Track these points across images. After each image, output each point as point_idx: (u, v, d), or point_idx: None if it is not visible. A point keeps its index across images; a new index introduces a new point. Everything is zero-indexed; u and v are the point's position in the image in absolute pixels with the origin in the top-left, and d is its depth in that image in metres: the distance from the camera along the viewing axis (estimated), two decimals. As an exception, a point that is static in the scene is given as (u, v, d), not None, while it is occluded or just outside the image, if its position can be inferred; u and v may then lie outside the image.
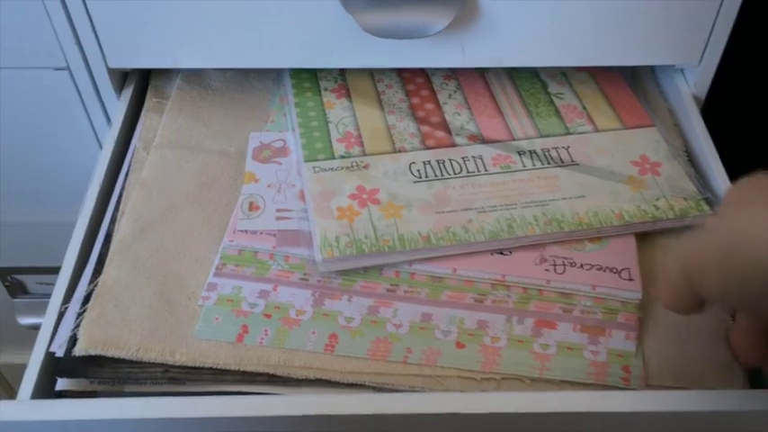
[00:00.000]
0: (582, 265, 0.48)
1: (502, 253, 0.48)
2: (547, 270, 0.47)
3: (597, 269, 0.47)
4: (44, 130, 0.61)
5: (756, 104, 0.71)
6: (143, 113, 0.57)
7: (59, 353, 0.43)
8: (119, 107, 0.58)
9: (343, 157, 0.52)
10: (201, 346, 0.44)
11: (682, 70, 0.59)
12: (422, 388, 0.43)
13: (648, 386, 0.43)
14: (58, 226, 0.58)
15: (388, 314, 0.45)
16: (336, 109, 0.56)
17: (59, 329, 0.44)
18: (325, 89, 0.58)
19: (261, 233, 0.49)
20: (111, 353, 0.43)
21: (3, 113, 0.60)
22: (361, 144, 0.53)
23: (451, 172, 0.52)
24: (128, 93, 0.58)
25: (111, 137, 0.56)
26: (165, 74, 0.60)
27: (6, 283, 0.77)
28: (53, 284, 0.47)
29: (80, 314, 0.45)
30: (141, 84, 0.60)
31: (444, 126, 0.55)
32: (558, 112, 0.56)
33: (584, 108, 0.56)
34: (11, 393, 0.91)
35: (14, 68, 0.56)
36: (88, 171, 0.54)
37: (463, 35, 0.54)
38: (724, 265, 0.34)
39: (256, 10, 0.53)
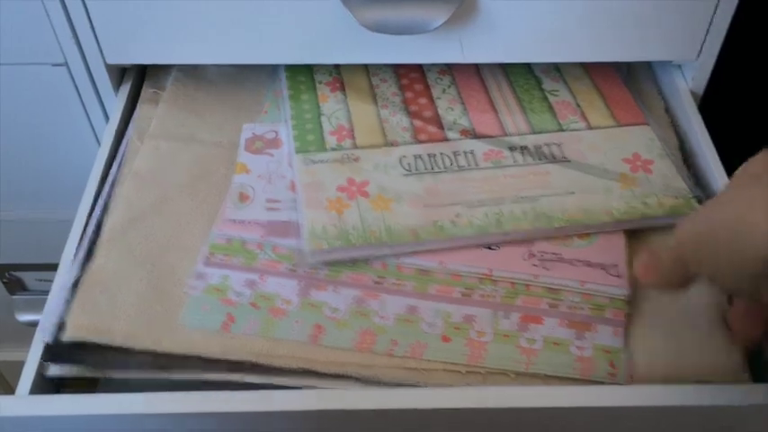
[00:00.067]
0: (570, 261, 0.47)
1: (490, 248, 0.48)
2: (535, 265, 0.47)
3: (585, 265, 0.47)
4: (42, 127, 0.61)
5: (754, 100, 0.71)
6: (139, 104, 0.58)
7: (47, 339, 0.43)
8: (116, 103, 0.58)
9: (334, 149, 0.52)
10: (188, 334, 0.44)
11: (679, 66, 0.59)
12: (406, 380, 0.43)
13: (635, 381, 0.43)
14: (56, 222, 0.59)
15: (375, 306, 0.45)
16: (330, 102, 0.56)
17: (46, 315, 0.45)
18: (320, 82, 0.58)
19: (250, 223, 0.49)
20: (97, 339, 0.43)
21: (0, 110, 0.60)
22: (353, 137, 0.53)
23: (442, 166, 0.52)
24: (125, 89, 0.59)
25: (108, 133, 0.56)
26: (162, 65, 0.60)
27: (4, 280, 0.77)
28: (51, 281, 0.47)
29: (68, 301, 0.45)
30: (139, 80, 0.60)
31: (437, 121, 0.55)
32: (551, 108, 0.56)
33: (578, 105, 0.56)
34: (9, 390, 0.91)
35: (12, 64, 0.57)
36: (86, 168, 0.54)
37: (462, 31, 0.54)
38: (721, 248, 0.34)
39: (254, 6, 0.53)
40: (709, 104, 0.58)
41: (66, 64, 0.56)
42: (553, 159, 0.52)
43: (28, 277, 0.77)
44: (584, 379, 0.43)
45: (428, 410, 0.40)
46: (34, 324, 0.45)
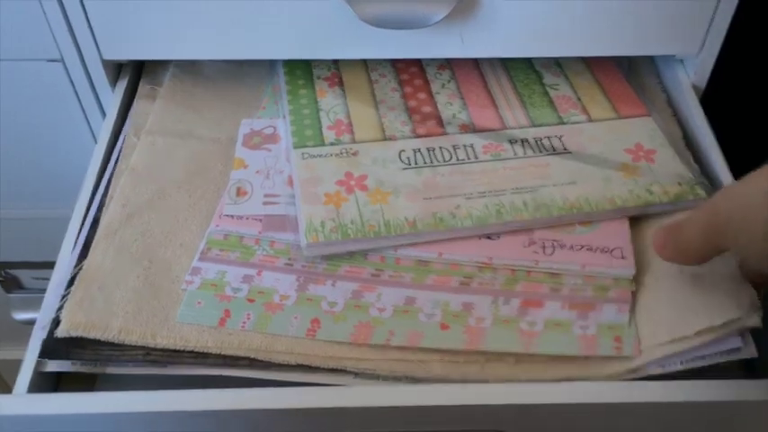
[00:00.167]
0: (572, 246, 0.47)
1: (489, 237, 0.48)
2: (535, 252, 0.47)
3: (588, 249, 0.47)
4: (38, 124, 0.61)
5: (756, 94, 0.70)
6: (136, 99, 0.57)
7: (42, 335, 0.43)
8: (113, 100, 0.58)
9: (332, 144, 0.52)
10: (183, 329, 0.44)
11: (681, 60, 0.58)
12: (403, 373, 0.42)
13: (642, 351, 0.42)
14: (52, 220, 0.58)
15: (372, 298, 0.45)
16: (328, 97, 0.56)
17: (44, 313, 0.44)
18: (318, 77, 0.58)
19: (247, 218, 0.49)
20: (92, 334, 0.43)
21: (-5, 106, 0.59)
22: (352, 132, 0.53)
23: (441, 160, 0.51)
24: (122, 85, 0.58)
25: (105, 130, 0.55)
26: (160, 61, 0.60)
27: (1, 279, 0.77)
28: (48, 279, 0.47)
29: (64, 296, 0.45)
30: (136, 76, 0.60)
31: (436, 115, 0.55)
32: (551, 102, 0.56)
33: (579, 99, 0.56)
34: (6, 389, 0.90)
35: (6, 60, 0.56)
36: (83, 164, 0.53)
37: (462, 25, 0.53)
38: (757, 217, 0.34)
39: (252, 1, 0.52)
40: (711, 98, 0.58)
41: (62, 60, 0.56)
42: (553, 151, 0.52)
43: (24, 275, 0.77)
44: (587, 356, 0.42)
45: (429, 407, 0.40)
46: (31, 322, 0.44)
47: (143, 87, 0.58)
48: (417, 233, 0.47)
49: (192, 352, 0.43)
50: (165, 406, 0.40)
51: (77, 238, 0.48)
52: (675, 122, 0.56)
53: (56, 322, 0.44)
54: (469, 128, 0.54)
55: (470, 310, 0.45)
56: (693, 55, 0.56)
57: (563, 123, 0.54)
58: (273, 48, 0.55)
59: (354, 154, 0.51)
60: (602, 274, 0.46)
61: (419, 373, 0.42)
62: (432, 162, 0.51)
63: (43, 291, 0.46)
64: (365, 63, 0.59)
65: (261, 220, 0.49)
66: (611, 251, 0.47)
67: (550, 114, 0.55)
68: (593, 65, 0.59)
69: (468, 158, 0.51)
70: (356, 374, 0.42)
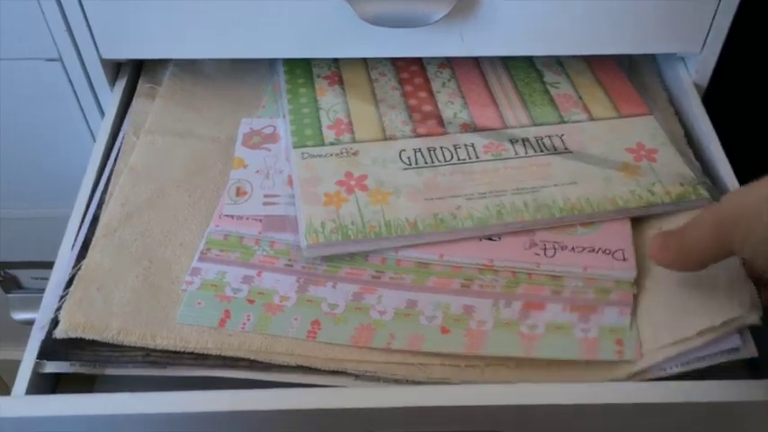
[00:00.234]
0: (573, 248, 0.47)
1: (490, 239, 0.47)
2: (537, 254, 0.47)
3: (589, 251, 0.47)
4: (36, 123, 0.61)
5: (758, 93, 0.70)
6: (135, 98, 0.57)
7: (41, 335, 0.43)
8: (112, 99, 0.57)
9: (332, 143, 0.52)
10: (183, 330, 0.43)
11: (683, 59, 0.58)
12: (404, 376, 0.42)
13: (643, 354, 0.42)
14: (51, 220, 0.58)
15: (373, 301, 0.45)
16: (328, 96, 0.56)
17: (43, 313, 0.44)
18: (318, 76, 0.57)
19: (247, 218, 0.48)
20: (91, 335, 0.43)
21: (-7, 106, 0.59)
22: (352, 131, 0.53)
23: (442, 159, 0.51)
24: (121, 84, 0.58)
25: (104, 129, 0.55)
26: (159, 60, 0.59)
27: (0, 278, 0.76)
28: (47, 279, 0.46)
29: (62, 297, 0.44)
30: (135, 75, 0.59)
31: (436, 114, 0.54)
32: (552, 101, 0.56)
33: (580, 98, 0.56)
34: (5, 390, 0.90)
35: (5, 60, 0.56)
36: (82, 164, 0.53)
37: (462, 24, 0.53)
38: (759, 223, 0.34)
39: (252, 0, 0.52)
40: (713, 97, 0.58)
41: (60, 59, 0.56)
42: (554, 151, 0.52)
43: (23, 275, 0.77)
44: (588, 360, 0.42)
45: (427, 408, 0.40)
46: (30, 322, 0.44)
47: (142, 86, 0.58)
48: (418, 234, 0.47)
49: (191, 353, 0.43)
50: (164, 407, 0.40)
51: (76, 237, 0.48)
52: (677, 121, 0.55)
53: (54, 323, 0.43)
54: (470, 127, 0.54)
55: (471, 313, 0.44)
56: (695, 53, 0.56)
57: (564, 122, 0.54)
58: (273, 47, 0.55)
59: (354, 154, 0.51)
60: (603, 277, 0.46)
61: (419, 376, 0.42)
62: (432, 162, 0.51)
63: (42, 291, 0.46)
64: (365, 62, 0.59)
65: (261, 221, 0.48)
66: (613, 253, 0.46)
67: (551, 113, 0.55)
68: (594, 63, 0.59)
69: (469, 158, 0.51)
70: (356, 377, 0.42)
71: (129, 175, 0.51)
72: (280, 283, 0.46)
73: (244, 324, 0.44)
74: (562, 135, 0.53)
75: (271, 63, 0.60)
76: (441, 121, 0.54)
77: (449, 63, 0.59)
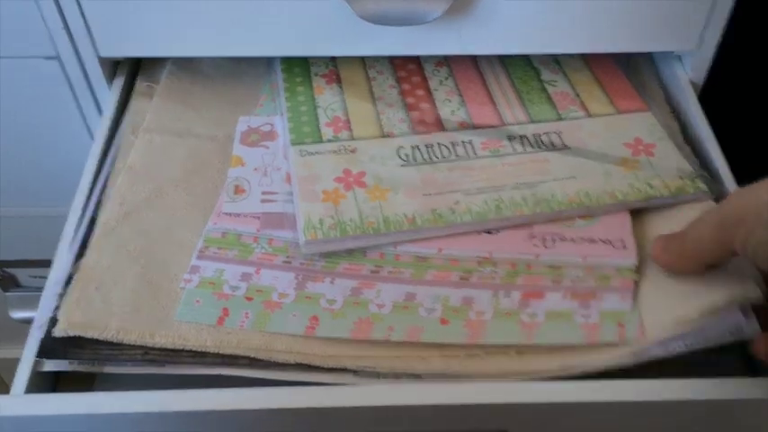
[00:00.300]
0: (572, 239, 0.47)
1: (489, 232, 0.48)
2: (536, 246, 0.47)
3: (589, 242, 0.47)
4: (34, 122, 0.61)
5: (754, 91, 0.70)
6: (132, 97, 0.57)
7: (40, 334, 0.43)
8: (110, 97, 0.57)
9: (330, 140, 0.52)
10: (182, 328, 0.43)
11: (679, 57, 0.58)
12: (403, 369, 0.42)
13: (646, 336, 0.42)
14: (49, 218, 0.58)
15: (371, 295, 0.45)
16: (326, 94, 0.56)
17: (41, 312, 0.44)
18: (316, 74, 0.57)
19: (245, 216, 0.48)
20: (90, 334, 0.43)
21: (-10, 104, 0.59)
22: (350, 129, 0.53)
23: (440, 156, 0.51)
24: (119, 82, 0.58)
25: (102, 127, 0.55)
26: (157, 59, 0.59)
27: (-2, 277, 0.77)
28: (45, 278, 0.46)
29: (61, 296, 0.44)
30: (133, 73, 0.59)
31: (434, 112, 0.55)
32: (550, 98, 0.56)
33: (578, 95, 0.56)
34: (4, 388, 0.90)
35: (2, 58, 0.56)
36: (79, 163, 0.53)
37: (461, 22, 0.53)
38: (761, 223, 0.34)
39: (250, -2, 0.52)
40: (709, 95, 0.58)
41: (58, 57, 0.56)
42: (552, 147, 0.52)
43: (21, 274, 0.77)
44: (589, 345, 0.42)
45: (431, 406, 0.40)
46: (28, 321, 0.44)
47: (140, 85, 0.58)
48: (416, 229, 0.47)
49: (190, 351, 0.43)
50: (163, 406, 0.39)
51: (74, 236, 0.48)
52: (674, 119, 0.55)
53: (53, 321, 0.43)
54: (468, 125, 0.54)
55: (470, 304, 0.44)
56: (691, 51, 0.56)
57: (561, 119, 0.54)
58: (271, 45, 0.55)
59: (353, 151, 0.51)
60: (603, 265, 0.46)
61: (419, 368, 0.42)
62: (430, 159, 0.51)
63: (40, 289, 0.45)
64: (362, 60, 0.59)
65: (259, 218, 0.48)
66: (613, 242, 0.46)
67: (549, 111, 0.55)
68: (592, 61, 0.59)
69: (467, 155, 0.51)
70: (356, 372, 0.42)
71: (127, 174, 0.51)
72: (278, 280, 0.46)
73: (242, 322, 0.44)
74: (560, 132, 0.53)
75: (269, 62, 0.60)
76: (438, 119, 0.54)
77: (446, 61, 0.59)
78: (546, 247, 0.47)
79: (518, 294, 0.45)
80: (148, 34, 0.54)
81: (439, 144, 0.52)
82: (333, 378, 0.42)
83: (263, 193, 0.50)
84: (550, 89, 0.57)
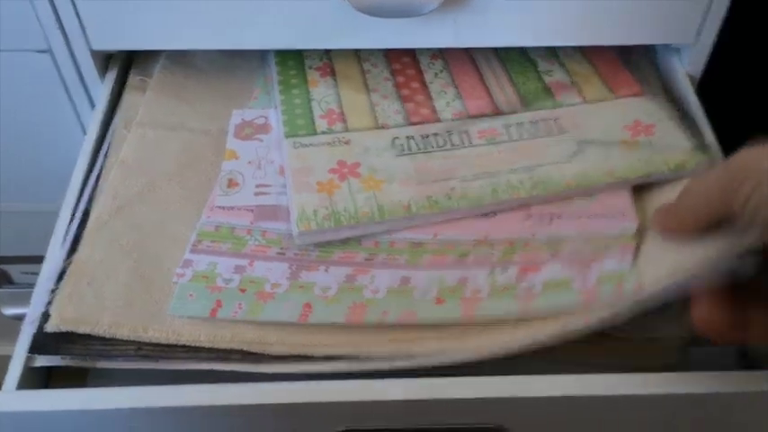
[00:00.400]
0: (571, 216, 0.46)
1: (486, 216, 0.47)
2: (533, 225, 0.46)
3: (588, 217, 0.46)
4: (25, 116, 0.60)
5: (752, 84, 0.70)
6: (125, 91, 0.57)
7: (32, 330, 0.43)
8: (103, 91, 0.57)
9: (324, 132, 0.51)
10: (175, 323, 0.43)
11: (677, 50, 0.58)
12: (398, 353, 0.41)
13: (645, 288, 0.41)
14: (41, 214, 0.57)
15: (366, 281, 0.44)
16: (320, 87, 0.55)
17: (33, 307, 0.44)
18: (310, 67, 0.57)
19: (239, 209, 0.48)
20: (82, 329, 0.42)
21: (-19, 99, 0.58)
22: (344, 121, 0.52)
23: (435, 146, 0.51)
24: (111, 76, 0.57)
25: (95, 121, 0.55)
26: (150, 52, 0.59)
27: (-11, 273, 0.76)
28: (37, 274, 0.46)
29: (53, 291, 0.44)
30: (125, 66, 0.59)
31: (429, 104, 0.54)
32: (546, 87, 0.55)
33: (574, 83, 0.56)
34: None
35: (-8, 51, 0.55)
36: (72, 157, 0.53)
37: (456, 14, 0.53)
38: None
39: (243, -10, 0.52)
40: (707, 88, 0.58)
41: (49, 50, 0.55)
42: (549, 133, 0.51)
43: (13, 270, 0.76)
44: (586, 310, 0.41)
45: (426, 401, 0.40)
46: (20, 317, 0.44)
47: (133, 79, 0.57)
48: (412, 216, 0.46)
49: (184, 346, 0.42)
50: (156, 402, 0.39)
51: (67, 231, 0.48)
52: (673, 108, 0.55)
53: (45, 317, 0.43)
54: (464, 114, 0.53)
55: (466, 283, 0.44)
56: (689, 44, 0.56)
57: (558, 107, 0.54)
58: (266, 38, 0.55)
59: (347, 143, 0.51)
60: (603, 235, 0.45)
61: (415, 349, 0.41)
62: (425, 148, 0.51)
63: (33, 286, 0.45)
64: (357, 53, 0.59)
65: (252, 211, 0.48)
66: (613, 214, 0.46)
67: (545, 99, 0.54)
68: (589, 52, 0.58)
69: (463, 143, 0.51)
70: (351, 359, 0.41)
71: (119, 169, 0.51)
72: (272, 272, 0.45)
73: (235, 312, 0.43)
74: (557, 118, 0.53)
75: (263, 56, 0.59)
76: (433, 110, 0.54)
77: (441, 54, 0.59)
78: (543, 225, 0.46)
79: (515, 269, 0.44)
80: (141, 27, 0.54)
81: (434, 134, 0.52)
82: (328, 367, 0.41)
83: (257, 185, 0.49)
84: (547, 78, 0.56)
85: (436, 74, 0.57)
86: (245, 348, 0.42)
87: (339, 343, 0.42)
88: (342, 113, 0.53)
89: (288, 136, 0.51)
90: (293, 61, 0.57)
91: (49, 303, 0.43)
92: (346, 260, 0.46)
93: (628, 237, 0.45)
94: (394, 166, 0.49)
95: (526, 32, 0.55)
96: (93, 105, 0.58)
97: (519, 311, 0.42)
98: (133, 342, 0.42)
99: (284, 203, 0.48)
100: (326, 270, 0.45)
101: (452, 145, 0.51)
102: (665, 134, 0.50)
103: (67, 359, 0.42)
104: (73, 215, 0.49)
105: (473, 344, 0.41)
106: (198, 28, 0.54)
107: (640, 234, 0.45)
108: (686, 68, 0.57)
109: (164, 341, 0.42)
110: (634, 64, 0.59)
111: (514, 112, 0.53)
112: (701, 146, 0.50)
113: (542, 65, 0.58)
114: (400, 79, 0.56)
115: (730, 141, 0.51)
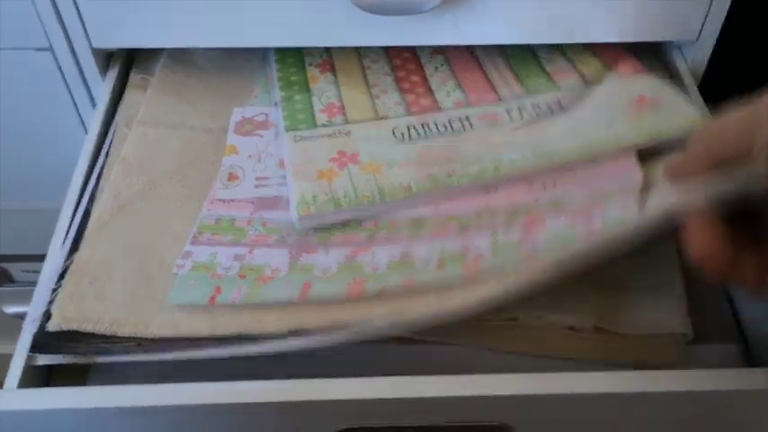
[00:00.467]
0: (574, 181, 0.46)
1: (487, 191, 0.47)
2: (536, 191, 0.45)
3: (593, 179, 0.46)
4: (26, 115, 0.60)
5: (753, 81, 0.70)
6: (126, 90, 0.57)
7: (33, 329, 0.43)
8: (104, 89, 0.57)
9: (324, 125, 0.51)
10: (175, 317, 0.43)
11: (679, 47, 0.58)
12: (398, 321, 0.40)
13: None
14: (42, 212, 0.57)
15: (366, 258, 0.44)
16: (320, 83, 0.55)
17: (34, 306, 0.44)
18: (310, 64, 0.57)
19: (239, 201, 0.48)
20: (84, 328, 0.42)
21: (-18, 98, 0.58)
22: (344, 114, 0.52)
23: (436, 132, 0.51)
24: (113, 74, 0.58)
25: (96, 120, 0.55)
26: (151, 51, 0.59)
27: (-9, 272, 0.76)
28: (38, 272, 0.46)
29: (54, 290, 0.44)
30: (126, 64, 0.59)
31: (430, 95, 0.54)
32: (548, 74, 0.55)
33: (576, 69, 0.55)
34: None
35: (-7, 49, 0.55)
36: (73, 156, 0.53)
37: (457, 11, 0.53)
38: None
39: (243, -13, 0.52)
40: (708, 85, 0.57)
41: (50, 48, 0.55)
42: (552, 113, 0.51)
43: (14, 269, 0.76)
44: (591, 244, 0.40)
45: (429, 399, 0.39)
46: (21, 316, 0.44)
47: (134, 77, 0.57)
48: (413, 196, 0.46)
49: (184, 338, 0.42)
50: (157, 400, 0.39)
51: (68, 230, 0.48)
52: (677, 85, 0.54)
53: (47, 316, 0.43)
54: (465, 104, 0.53)
55: (468, 249, 0.43)
56: (691, 41, 0.56)
57: (560, 90, 0.53)
58: (266, 36, 0.55)
59: (347, 134, 0.51)
60: (607, 190, 0.44)
61: (416, 311, 0.41)
62: (426, 135, 0.50)
63: (34, 284, 0.45)
64: (357, 50, 0.59)
65: (253, 203, 0.48)
66: (617, 173, 0.45)
67: (547, 84, 0.54)
68: (593, 46, 0.58)
69: (464, 129, 0.51)
70: (348, 329, 0.40)
71: (121, 167, 0.51)
72: (272, 258, 0.45)
73: (235, 297, 0.43)
74: (559, 100, 0.52)
75: (263, 55, 0.59)
76: (434, 101, 0.53)
77: (442, 50, 0.59)
78: (547, 191, 0.45)
79: (518, 230, 0.43)
80: (142, 25, 0.54)
81: (435, 122, 0.51)
82: (325, 339, 0.40)
83: (257, 178, 0.49)
84: (549, 67, 0.56)
85: (437, 67, 0.57)
86: (243, 331, 0.41)
87: (338, 316, 0.41)
88: (342, 107, 0.53)
89: (288, 130, 0.51)
90: (293, 58, 0.57)
91: (51, 302, 0.43)
92: (347, 241, 0.45)
93: (633, 189, 0.44)
94: (394, 152, 0.49)
95: (526, 30, 0.55)
96: (94, 104, 0.58)
97: (522, 264, 0.41)
98: (134, 338, 0.42)
99: (284, 194, 0.48)
100: (327, 252, 0.45)
101: (453, 130, 0.51)
102: (671, 104, 0.49)
103: (69, 357, 0.42)
104: (74, 214, 0.49)
105: (475, 298, 0.40)
106: (198, 25, 0.54)
107: (647, 189, 0.44)
108: (689, 66, 0.57)
109: (164, 335, 0.42)
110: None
111: (516, 97, 0.53)
112: (709, 115, 0.49)
113: (544, 53, 0.57)
114: (400, 74, 0.56)
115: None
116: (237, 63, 0.59)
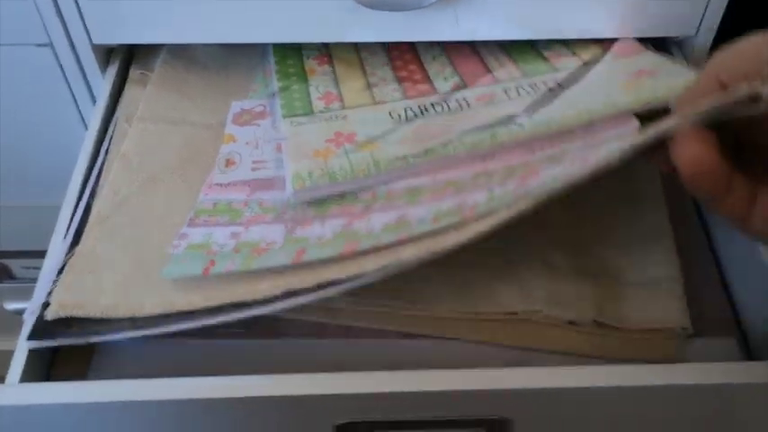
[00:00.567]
0: (572, 141, 0.44)
1: (484, 159, 0.46)
2: (533, 153, 0.45)
3: (590, 135, 0.44)
4: (27, 111, 0.60)
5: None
6: (126, 86, 0.57)
7: (31, 319, 0.43)
8: (104, 85, 0.57)
9: (321, 111, 0.51)
10: (170, 294, 0.43)
11: (679, 43, 0.58)
12: (391, 271, 0.40)
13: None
14: (43, 208, 0.57)
15: (362, 225, 0.43)
16: (318, 74, 0.56)
17: (33, 298, 0.44)
18: (308, 58, 0.57)
19: (236, 184, 0.48)
20: (80, 313, 0.42)
21: (-18, 94, 0.58)
22: (341, 100, 0.53)
23: (433, 113, 0.51)
24: (113, 70, 0.58)
25: (96, 116, 0.55)
26: (151, 47, 0.59)
27: (-9, 268, 0.76)
28: (38, 269, 0.46)
29: (54, 283, 0.44)
30: (127, 60, 0.59)
31: (428, 81, 0.54)
32: (546, 59, 0.55)
33: (575, 53, 0.55)
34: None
35: (-7, 45, 0.55)
36: (73, 152, 0.53)
37: (457, 5, 0.53)
38: None
39: (243, -17, 0.52)
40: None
41: (50, 44, 0.55)
42: (550, 92, 0.50)
43: (14, 265, 0.76)
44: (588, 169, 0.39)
45: (428, 393, 0.39)
46: (21, 312, 0.44)
47: (134, 73, 0.58)
48: (409, 166, 0.46)
49: (179, 313, 0.42)
50: (158, 395, 0.39)
51: (69, 226, 0.48)
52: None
53: (46, 307, 0.43)
54: (461, 87, 0.53)
55: (464, 205, 0.42)
56: (690, 36, 0.56)
57: (558, 71, 0.53)
58: (266, 32, 0.55)
59: (344, 118, 0.51)
60: (604, 137, 0.43)
61: (407, 254, 0.40)
62: (423, 115, 0.50)
63: (34, 280, 0.45)
64: (355, 43, 0.59)
65: (249, 185, 0.48)
66: (615, 127, 0.44)
67: (544, 66, 0.54)
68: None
69: (461, 108, 0.51)
70: (344, 283, 0.40)
71: (121, 163, 0.51)
72: (267, 233, 0.45)
73: (228, 268, 0.43)
74: (557, 79, 0.52)
75: (262, 51, 0.59)
76: (431, 86, 0.53)
77: (440, 42, 0.59)
78: (544, 151, 0.45)
79: (514, 182, 0.42)
80: (142, 21, 0.54)
81: (432, 104, 0.51)
82: (319, 295, 0.40)
83: (254, 161, 0.49)
84: (546, 52, 0.56)
85: (434, 57, 0.57)
86: (236, 300, 0.41)
87: (331, 274, 0.41)
88: (339, 94, 0.53)
89: (285, 116, 0.51)
90: (291, 51, 0.58)
91: (50, 294, 0.44)
92: (343, 212, 0.45)
93: (630, 134, 0.42)
94: (391, 130, 0.49)
95: (526, 25, 0.55)
96: (94, 99, 0.59)
97: (519, 202, 0.40)
98: (129, 319, 0.42)
99: (281, 175, 0.47)
100: (323, 224, 0.44)
101: (450, 110, 0.50)
102: (670, 72, 0.48)
103: (62, 339, 0.42)
104: (74, 210, 0.49)
105: (469, 233, 0.40)
106: (198, 21, 0.54)
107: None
108: (688, 61, 0.56)
109: (159, 312, 0.42)
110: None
111: (513, 78, 0.53)
112: None
113: (544, 47, 0.57)
114: (398, 63, 0.57)
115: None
116: (237, 59, 0.59)
